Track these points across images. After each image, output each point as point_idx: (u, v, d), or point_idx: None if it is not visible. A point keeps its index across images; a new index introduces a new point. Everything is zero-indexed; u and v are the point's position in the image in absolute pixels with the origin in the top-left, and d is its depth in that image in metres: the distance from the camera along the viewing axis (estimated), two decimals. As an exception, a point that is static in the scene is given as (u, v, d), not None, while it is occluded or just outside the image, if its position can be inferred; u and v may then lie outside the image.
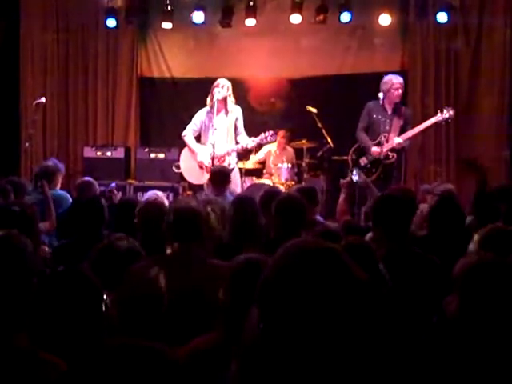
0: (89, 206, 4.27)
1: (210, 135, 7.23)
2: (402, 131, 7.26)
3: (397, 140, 7.16)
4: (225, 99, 7.24)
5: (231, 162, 7.34)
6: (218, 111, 7.22)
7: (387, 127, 7.27)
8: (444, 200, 4.33)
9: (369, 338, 1.42)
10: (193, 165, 7.45)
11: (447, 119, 7.32)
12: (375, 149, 7.22)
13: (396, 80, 7.29)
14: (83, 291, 2.25)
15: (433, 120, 7.34)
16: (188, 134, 7.42)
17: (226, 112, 7.32)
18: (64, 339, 2.16)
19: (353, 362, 1.38)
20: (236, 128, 7.38)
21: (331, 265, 1.36)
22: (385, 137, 7.23)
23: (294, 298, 1.34)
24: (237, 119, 7.38)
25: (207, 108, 7.36)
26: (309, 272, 1.34)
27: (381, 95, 7.35)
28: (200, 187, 7.37)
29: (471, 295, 2.24)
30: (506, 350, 2.15)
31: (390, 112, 7.30)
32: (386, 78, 7.34)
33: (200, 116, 7.40)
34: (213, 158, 7.09)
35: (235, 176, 7.29)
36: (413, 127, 7.37)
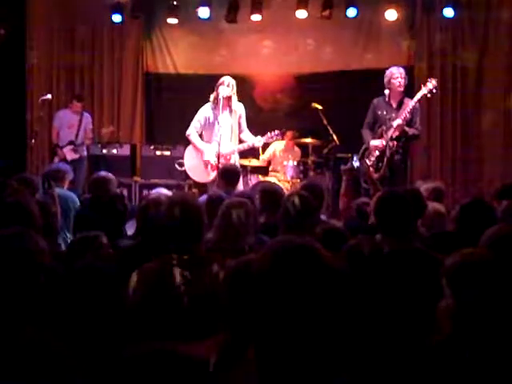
0: (111, 204, 4.26)
1: (215, 132, 7.18)
2: (409, 125, 7.07)
3: (396, 122, 6.96)
4: (229, 97, 7.20)
5: (236, 160, 7.31)
6: (223, 109, 7.17)
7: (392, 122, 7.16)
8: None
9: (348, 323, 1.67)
10: (197, 163, 7.39)
11: (431, 90, 7.19)
12: (373, 142, 7.05)
13: (396, 70, 7.19)
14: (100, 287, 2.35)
15: (418, 95, 7.17)
16: (192, 133, 7.35)
17: (231, 110, 7.26)
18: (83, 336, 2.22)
19: (332, 345, 1.60)
20: (239, 125, 7.33)
21: (308, 259, 1.55)
22: (384, 130, 7.08)
23: (280, 290, 1.52)
24: (240, 116, 7.31)
25: (210, 104, 7.27)
26: (290, 266, 1.52)
27: (386, 91, 7.27)
28: (204, 185, 7.34)
29: (461, 291, 2.33)
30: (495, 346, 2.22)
31: (395, 107, 7.22)
32: (387, 72, 7.25)
33: (203, 112, 7.30)
34: (218, 156, 7.06)
35: None
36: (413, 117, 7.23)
